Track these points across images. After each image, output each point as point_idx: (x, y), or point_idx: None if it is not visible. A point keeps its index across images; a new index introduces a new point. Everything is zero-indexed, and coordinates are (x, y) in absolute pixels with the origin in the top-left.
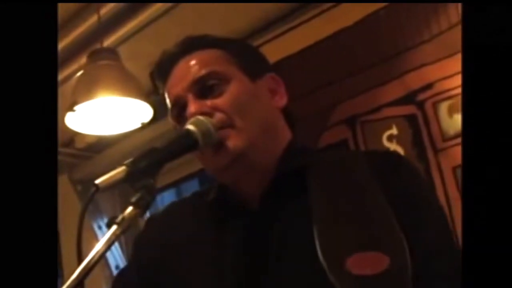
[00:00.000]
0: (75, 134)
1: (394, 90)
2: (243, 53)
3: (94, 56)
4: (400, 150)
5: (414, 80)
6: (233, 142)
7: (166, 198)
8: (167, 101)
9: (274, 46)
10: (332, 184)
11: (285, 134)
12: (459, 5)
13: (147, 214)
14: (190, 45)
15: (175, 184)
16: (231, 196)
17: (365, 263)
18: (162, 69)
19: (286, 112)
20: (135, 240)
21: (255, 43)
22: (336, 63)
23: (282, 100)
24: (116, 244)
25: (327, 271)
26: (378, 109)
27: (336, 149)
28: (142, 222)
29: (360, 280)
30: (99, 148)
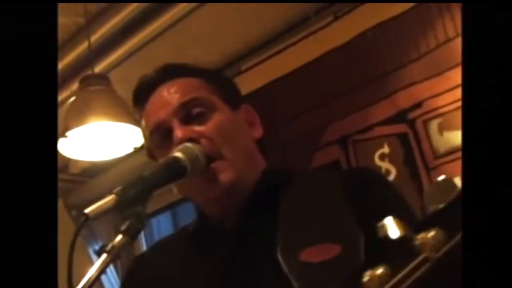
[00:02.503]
0: (69, 159)
1: (385, 109)
2: (222, 83)
3: (86, 82)
4: (392, 169)
5: (404, 99)
6: (226, 175)
7: (162, 221)
8: (144, 126)
9: (263, 69)
10: (298, 196)
11: (261, 163)
12: (447, 24)
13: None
14: (170, 72)
15: (171, 206)
16: (211, 222)
17: (317, 253)
18: (140, 94)
19: (261, 143)
20: (124, 278)
21: (246, 65)
22: (326, 84)
23: (258, 131)
24: (112, 269)
25: (283, 265)
26: (369, 128)
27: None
28: (136, 248)
29: (309, 266)
30: (93, 173)
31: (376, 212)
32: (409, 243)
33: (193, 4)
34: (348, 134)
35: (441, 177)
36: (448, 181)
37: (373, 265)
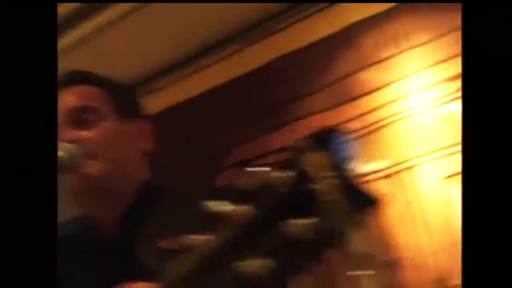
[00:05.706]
0: None
1: (283, 137)
2: (120, 95)
3: None
4: None
5: (303, 128)
6: (91, 167)
7: None
8: None
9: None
10: (166, 208)
11: (142, 175)
12: (350, 57)
13: None
14: (74, 78)
15: None
16: (88, 227)
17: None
18: None
19: (150, 157)
20: None
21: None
22: (230, 110)
23: (148, 145)
24: None
25: (143, 255)
26: (265, 155)
27: None
28: None
29: (164, 252)
30: None
31: None
32: None
33: None
34: (247, 160)
35: None
36: None
37: None
